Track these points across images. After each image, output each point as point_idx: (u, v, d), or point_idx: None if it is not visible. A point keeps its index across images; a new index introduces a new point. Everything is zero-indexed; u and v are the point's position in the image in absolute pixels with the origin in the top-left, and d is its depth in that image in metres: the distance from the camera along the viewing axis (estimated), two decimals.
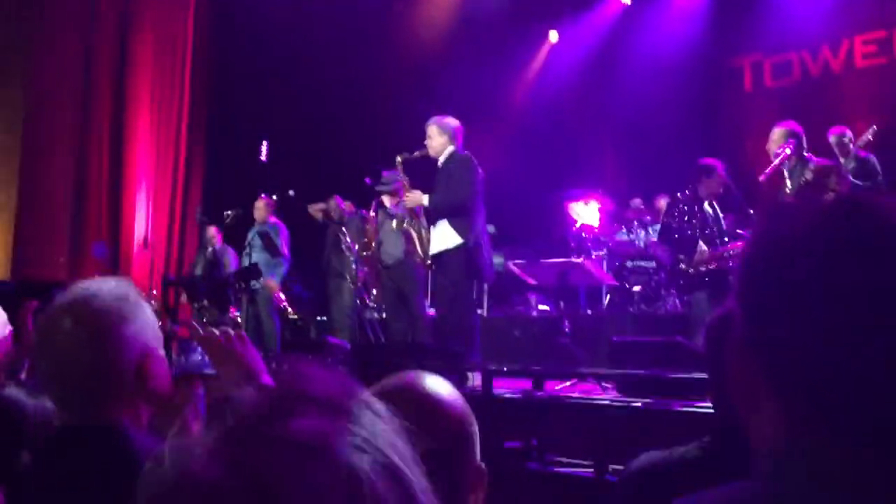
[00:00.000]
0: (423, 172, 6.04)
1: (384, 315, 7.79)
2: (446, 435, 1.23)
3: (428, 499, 0.65)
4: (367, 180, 7.10)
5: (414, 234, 5.85)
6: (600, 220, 8.20)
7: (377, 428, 0.66)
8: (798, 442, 0.84)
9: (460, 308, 5.66)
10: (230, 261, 8.84)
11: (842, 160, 6.06)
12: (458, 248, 5.57)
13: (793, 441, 0.84)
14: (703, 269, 5.94)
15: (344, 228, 8.07)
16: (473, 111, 9.95)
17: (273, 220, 8.49)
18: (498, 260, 8.63)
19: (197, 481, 0.60)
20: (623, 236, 8.16)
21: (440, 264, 5.67)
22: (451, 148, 5.77)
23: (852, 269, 0.82)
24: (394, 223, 6.17)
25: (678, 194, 6.25)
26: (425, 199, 5.69)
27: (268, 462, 0.60)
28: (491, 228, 8.65)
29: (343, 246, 7.93)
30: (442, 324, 5.67)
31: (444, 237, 5.65)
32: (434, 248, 5.69)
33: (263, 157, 8.16)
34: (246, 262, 8.05)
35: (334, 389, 0.68)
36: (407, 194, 5.89)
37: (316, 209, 8.41)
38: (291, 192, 7.94)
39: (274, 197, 8.19)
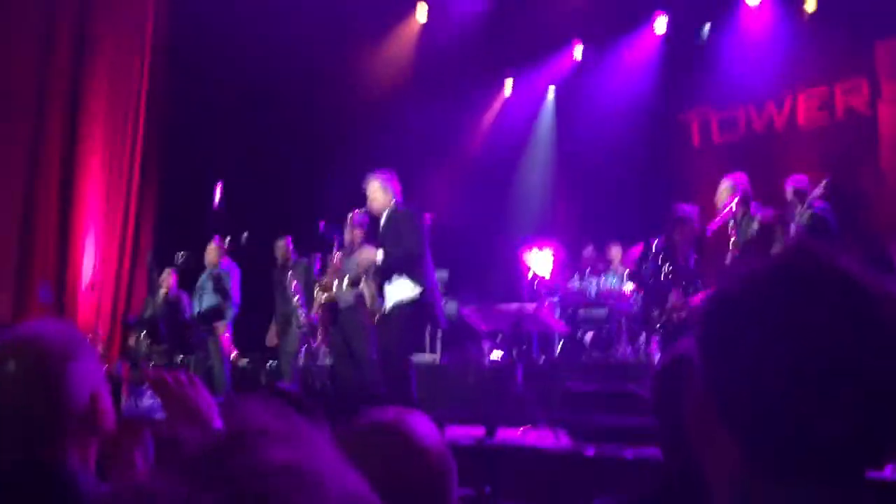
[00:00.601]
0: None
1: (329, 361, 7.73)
2: (429, 474, 1.26)
3: None
4: (321, 225, 7.07)
5: (366, 293, 5.84)
6: (553, 268, 8.25)
7: (335, 461, 0.67)
8: (752, 478, 0.88)
9: (407, 357, 5.71)
10: (185, 305, 8.71)
11: (798, 210, 6.17)
12: (414, 299, 5.61)
13: (747, 477, 0.89)
14: (675, 318, 5.98)
15: (290, 272, 8.02)
16: (429, 155, 10.06)
17: (225, 263, 8.40)
18: (451, 306, 8.65)
19: None
20: (575, 283, 8.22)
21: (395, 314, 5.66)
22: (393, 204, 5.84)
23: (803, 325, 0.86)
24: (345, 282, 6.13)
25: (652, 241, 6.32)
26: (379, 256, 5.69)
27: (238, 492, 0.60)
28: (443, 274, 8.72)
29: (289, 290, 7.86)
30: (387, 370, 5.67)
31: (401, 289, 5.66)
32: (391, 300, 5.68)
33: (216, 201, 8.09)
34: (196, 306, 7.95)
35: (287, 425, 0.68)
36: (359, 253, 5.88)
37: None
38: (245, 236, 7.87)
39: (227, 239, 8.11)
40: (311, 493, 0.61)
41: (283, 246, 8.35)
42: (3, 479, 1.46)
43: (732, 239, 6.04)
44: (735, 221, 6.17)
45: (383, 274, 5.73)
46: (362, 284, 5.85)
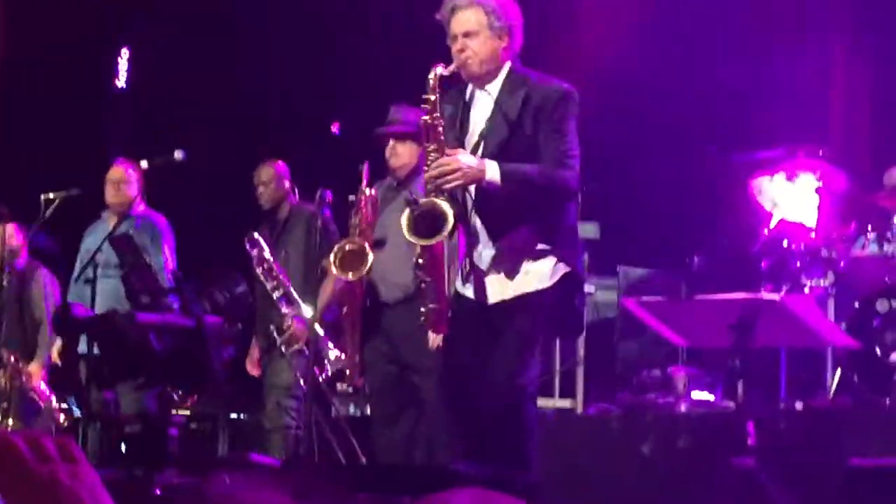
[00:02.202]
0: None
1: (367, 409, 7.75)
2: None
3: None
4: (335, 128, 7.07)
5: (446, 258, 5.81)
6: (821, 214, 8.13)
7: None
8: None
9: (528, 399, 5.74)
10: (44, 289, 8.95)
11: None
12: (560, 283, 5.63)
13: None
14: None
15: (279, 232, 8.04)
16: None
17: (143, 209, 8.49)
18: (604, 296, 8.60)
19: None
20: (870, 245, 8.09)
21: (514, 313, 5.65)
22: (508, 63, 5.78)
23: None
24: (404, 217, 6.03)
25: None
26: (490, 170, 5.60)
27: None
28: (591, 230, 8.65)
29: (268, 272, 7.88)
30: (484, 422, 5.69)
31: (530, 265, 5.65)
32: (511, 285, 5.65)
33: (121, 83, 8.18)
34: (85, 293, 8.04)
35: None
36: (435, 159, 5.77)
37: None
38: (179, 154, 7.92)
39: (143, 163, 8.18)
40: None
41: (270, 178, 8.40)
42: None
43: None
44: None
45: (495, 223, 5.69)
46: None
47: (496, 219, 5.67)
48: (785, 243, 8.15)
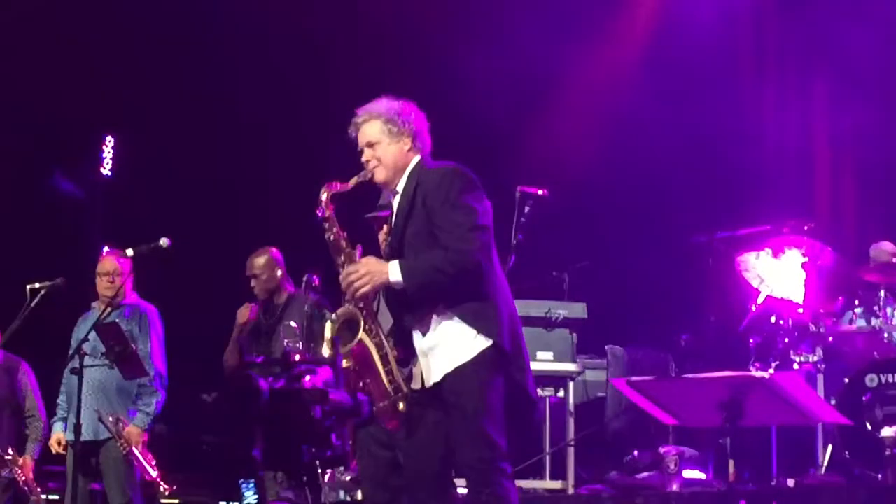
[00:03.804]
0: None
1: (359, 494, 7.77)
2: None
3: None
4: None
5: (374, 354, 5.81)
6: (808, 289, 8.15)
7: None
8: None
9: (498, 477, 5.61)
10: (30, 388, 8.92)
11: None
12: (483, 355, 5.59)
13: None
14: None
15: (292, 323, 8.02)
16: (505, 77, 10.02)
17: (133, 298, 8.53)
18: (595, 376, 8.57)
19: None
20: (857, 320, 8.10)
21: (446, 393, 5.65)
22: (416, 159, 5.87)
23: None
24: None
25: None
26: (392, 272, 5.64)
27: None
28: (575, 310, 8.63)
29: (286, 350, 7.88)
30: None
31: (451, 342, 5.67)
32: (440, 367, 5.66)
33: (107, 171, 8.18)
34: (72, 382, 8.01)
35: None
36: (346, 268, 5.82)
37: (244, 314, 8.39)
38: (165, 241, 7.94)
39: (129, 252, 8.17)
40: None
41: (262, 268, 8.44)
42: None
43: None
44: None
45: (404, 308, 5.75)
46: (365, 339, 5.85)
47: (409, 311, 5.73)
48: (773, 320, 8.16)
